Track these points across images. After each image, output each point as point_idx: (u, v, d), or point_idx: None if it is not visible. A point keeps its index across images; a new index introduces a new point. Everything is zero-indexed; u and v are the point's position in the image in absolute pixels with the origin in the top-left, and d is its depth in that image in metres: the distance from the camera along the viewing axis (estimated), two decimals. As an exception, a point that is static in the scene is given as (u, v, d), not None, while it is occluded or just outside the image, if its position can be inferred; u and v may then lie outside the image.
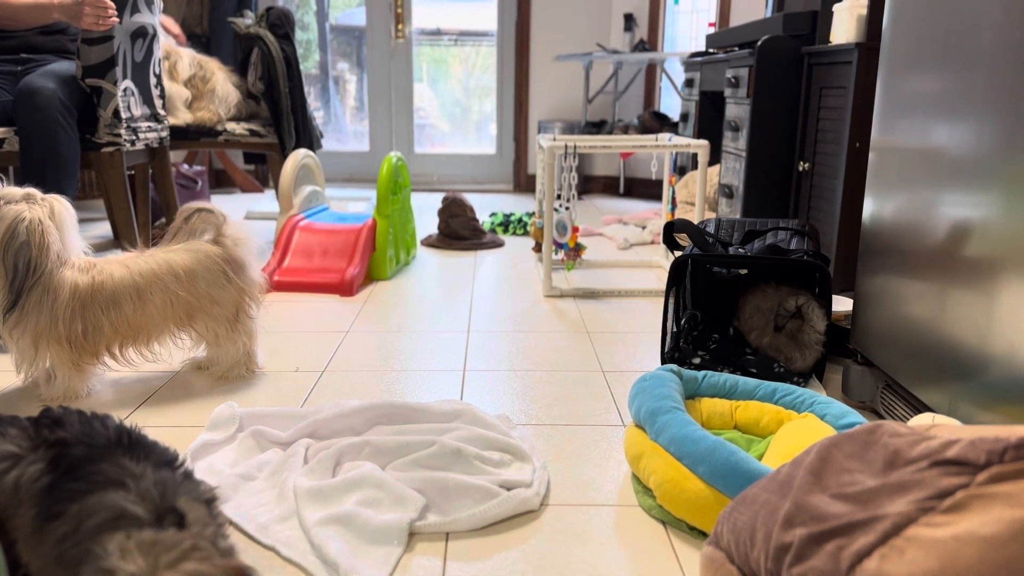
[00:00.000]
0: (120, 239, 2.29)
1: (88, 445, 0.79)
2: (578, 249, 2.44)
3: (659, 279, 2.54)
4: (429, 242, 3.05)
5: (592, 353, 1.81)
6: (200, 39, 3.39)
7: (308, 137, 3.00)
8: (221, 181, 4.71)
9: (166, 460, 0.82)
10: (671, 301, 1.69)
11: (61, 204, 1.43)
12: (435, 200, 4.29)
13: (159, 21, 2.41)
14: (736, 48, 2.86)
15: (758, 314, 1.67)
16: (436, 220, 3.30)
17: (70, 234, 1.44)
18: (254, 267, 1.61)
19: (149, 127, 2.39)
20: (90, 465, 0.76)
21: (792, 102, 2.42)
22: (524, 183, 4.80)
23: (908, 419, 1.29)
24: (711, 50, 3.22)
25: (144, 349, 1.50)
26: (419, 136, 4.90)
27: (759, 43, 2.40)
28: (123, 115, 2.20)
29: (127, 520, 0.71)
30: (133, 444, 0.81)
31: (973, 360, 1.11)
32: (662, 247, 2.98)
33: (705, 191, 2.34)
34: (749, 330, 1.68)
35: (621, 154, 4.58)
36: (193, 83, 2.90)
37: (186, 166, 3.95)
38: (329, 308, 2.16)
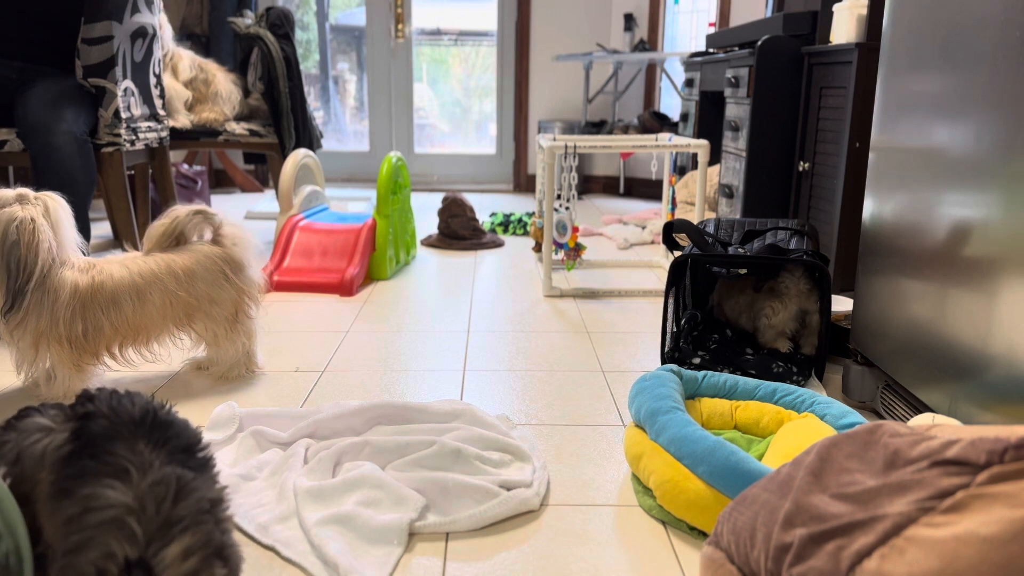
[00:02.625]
0: (120, 239, 2.29)
1: (111, 420, 0.80)
2: (578, 249, 2.44)
3: (659, 279, 2.54)
4: (429, 242, 3.05)
5: (592, 353, 1.81)
6: (200, 39, 3.39)
7: (308, 137, 3.00)
8: (221, 181, 4.71)
9: (186, 445, 0.82)
10: (671, 301, 1.69)
11: (56, 202, 1.42)
12: (435, 200, 4.29)
13: (158, 21, 2.41)
14: (736, 48, 2.85)
15: (738, 294, 1.76)
16: (436, 220, 3.30)
17: (67, 233, 1.43)
18: (253, 267, 1.61)
19: (149, 127, 2.39)
20: (107, 443, 0.78)
21: (792, 102, 2.42)
22: (524, 183, 4.79)
23: (908, 419, 1.29)
24: (711, 50, 3.22)
25: (144, 349, 1.50)
26: (419, 136, 4.90)
27: (759, 43, 2.40)
28: (123, 115, 2.20)
29: (125, 533, 0.72)
30: (156, 425, 0.82)
31: (973, 360, 1.11)
32: (662, 247, 2.98)
33: (705, 191, 2.34)
34: (728, 308, 1.78)
35: (621, 154, 4.58)
36: (195, 86, 2.90)
37: (186, 166, 3.95)
38: (329, 308, 2.16)
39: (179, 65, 2.88)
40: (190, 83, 2.90)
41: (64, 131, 2.00)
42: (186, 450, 0.82)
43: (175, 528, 0.74)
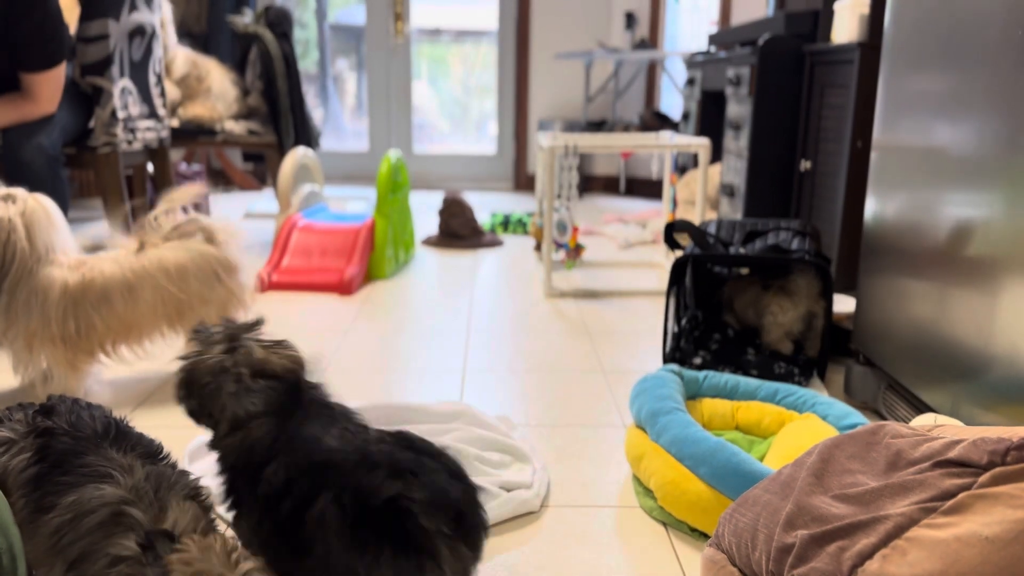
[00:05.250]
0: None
1: (74, 437, 0.80)
2: (578, 249, 2.43)
3: (659, 279, 2.53)
4: (429, 242, 3.05)
5: (592, 353, 1.80)
6: (198, 38, 3.39)
7: (307, 136, 2.99)
8: (219, 180, 4.70)
9: (151, 452, 0.83)
10: (672, 301, 1.68)
11: (36, 202, 1.40)
12: (435, 200, 4.28)
13: (159, 20, 2.40)
14: (738, 47, 2.85)
15: (746, 288, 1.74)
16: (436, 220, 3.30)
17: (50, 233, 1.41)
18: (246, 270, 1.60)
19: (148, 127, 2.38)
20: (76, 458, 0.78)
21: (794, 101, 2.41)
22: (524, 183, 4.79)
23: (910, 420, 1.28)
24: (712, 49, 3.22)
25: (136, 346, 1.49)
26: (418, 135, 4.90)
27: (761, 42, 2.39)
28: (120, 115, 2.19)
29: (127, 524, 0.72)
30: (120, 435, 0.83)
31: (975, 360, 1.11)
32: (662, 247, 2.98)
33: (706, 190, 2.34)
34: (740, 308, 1.75)
35: (622, 153, 4.57)
36: (187, 83, 2.89)
37: (184, 165, 3.95)
38: (328, 307, 2.16)
39: (172, 64, 2.87)
40: (183, 80, 2.88)
41: (32, 146, 1.96)
42: (152, 456, 0.83)
43: (174, 509, 0.74)
